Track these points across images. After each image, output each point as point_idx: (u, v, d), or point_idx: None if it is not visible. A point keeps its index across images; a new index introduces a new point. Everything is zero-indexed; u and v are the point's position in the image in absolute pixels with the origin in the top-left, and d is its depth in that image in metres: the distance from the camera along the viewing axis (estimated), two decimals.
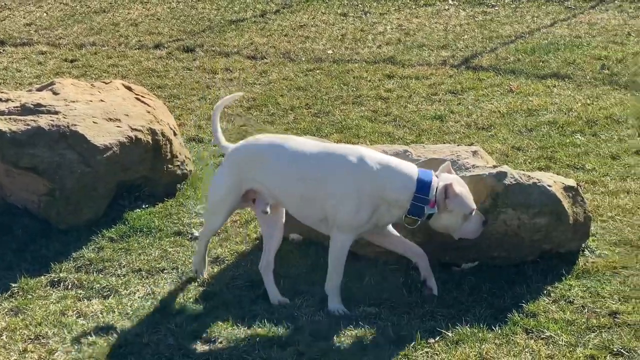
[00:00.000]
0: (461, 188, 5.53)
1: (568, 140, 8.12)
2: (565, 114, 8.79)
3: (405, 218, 5.51)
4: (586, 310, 5.47)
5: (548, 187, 5.89)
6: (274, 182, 5.65)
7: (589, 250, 6.10)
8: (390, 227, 5.72)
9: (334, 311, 5.56)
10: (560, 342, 5.17)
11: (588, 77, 9.85)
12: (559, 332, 5.25)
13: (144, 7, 13.75)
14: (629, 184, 7.17)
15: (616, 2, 12.98)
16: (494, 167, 6.01)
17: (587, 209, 6.10)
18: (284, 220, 5.85)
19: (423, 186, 5.47)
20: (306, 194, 5.57)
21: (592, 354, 5.03)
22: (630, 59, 10.32)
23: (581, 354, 5.04)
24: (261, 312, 5.56)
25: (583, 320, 5.36)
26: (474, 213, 5.57)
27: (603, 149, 7.87)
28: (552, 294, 5.66)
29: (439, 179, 5.52)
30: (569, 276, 5.83)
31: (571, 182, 6.16)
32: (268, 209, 5.74)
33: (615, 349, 5.08)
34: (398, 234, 5.75)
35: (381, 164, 5.52)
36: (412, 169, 5.56)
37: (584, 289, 5.69)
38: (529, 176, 5.96)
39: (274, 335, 5.33)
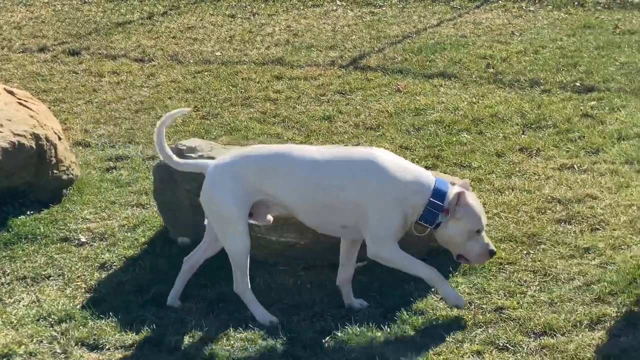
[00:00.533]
0: (474, 201, 5.42)
1: (454, 139, 8.23)
2: (452, 112, 8.90)
3: (416, 225, 5.38)
4: (473, 306, 5.54)
5: None
6: (290, 194, 5.40)
7: None
8: (359, 242, 5.58)
9: (460, 306, 5.44)
10: (448, 339, 5.21)
11: (474, 76, 9.99)
12: (446, 328, 5.31)
13: (27, 10, 13.50)
14: (513, 180, 7.28)
15: (500, 1, 13.19)
16: None
17: None
18: None
19: (439, 193, 5.33)
20: (325, 204, 5.36)
21: (479, 349, 5.09)
22: (514, 58, 10.50)
23: (468, 350, 5.10)
24: (150, 317, 5.49)
25: (470, 316, 5.42)
26: (482, 234, 5.42)
27: (489, 147, 7.99)
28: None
29: (454, 189, 5.40)
30: (456, 273, 5.89)
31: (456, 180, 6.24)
32: (271, 219, 5.60)
33: (500, 344, 5.15)
34: (356, 252, 5.63)
35: (397, 167, 5.36)
36: (428, 174, 5.43)
37: (471, 285, 5.77)
38: None
39: (163, 340, 5.26)
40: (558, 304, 5.53)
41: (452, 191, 5.36)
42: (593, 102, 8.96)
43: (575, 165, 7.54)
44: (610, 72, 9.77)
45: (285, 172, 5.38)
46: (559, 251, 6.15)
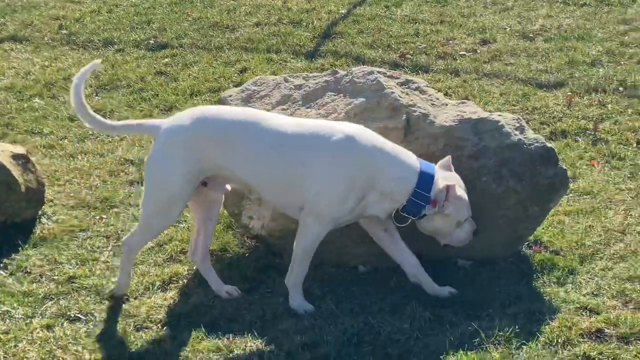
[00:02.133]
0: (462, 191, 4.92)
1: (26, 105, 7.94)
2: (23, 78, 8.58)
3: (397, 215, 4.85)
4: (43, 278, 5.35)
5: None
6: (248, 168, 4.78)
7: (45, 217, 5.98)
8: (394, 228, 5.03)
9: (298, 309, 4.93)
10: (17, 316, 4.99)
11: (46, 39, 9.68)
12: (15, 305, 5.08)
13: None
14: (87, 144, 7.14)
15: None
16: None
17: (39, 175, 5.98)
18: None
19: (425, 181, 4.80)
20: (288, 181, 4.77)
21: (49, 323, 4.91)
22: (88, 18, 10.29)
23: (38, 325, 4.91)
24: None
25: (41, 289, 5.24)
26: (467, 221, 5.01)
27: (62, 112, 7.78)
28: (9, 267, 5.46)
29: (439, 176, 4.87)
30: (26, 246, 5.66)
31: (20, 150, 6.00)
32: (229, 188, 5.01)
33: (72, 315, 5.01)
34: (400, 239, 5.08)
35: (376, 147, 4.80)
36: (413, 158, 4.87)
37: (42, 257, 5.57)
38: None
39: None
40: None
41: (439, 180, 4.85)
42: (167, 59, 8.99)
43: None
44: (184, 28, 9.83)
45: (248, 143, 4.78)
46: (133, 214, 6.08)
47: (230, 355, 4.64)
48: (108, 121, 5.12)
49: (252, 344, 4.70)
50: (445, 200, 4.85)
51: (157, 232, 5.16)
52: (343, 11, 10.27)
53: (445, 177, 4.89)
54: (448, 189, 4.83)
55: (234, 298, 5.10)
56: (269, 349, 4.65)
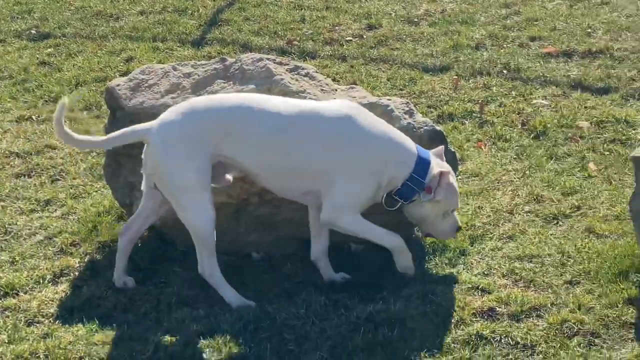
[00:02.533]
0: (453, 179, 4.89)
1: None
2: None
3: (387, 198, 4.79)
4: None
5: None
6: (250, 156, 4.66)
7: None
8: None
9: (404, 270, 5.01)
10: None
11: None
12: None
13: None
14: None
15: None
16: None
17: None
18: None
19: (422, 166, 4.77)
20: (293, 168, 4.68)
21: None
22: None
23: None
24: None
25: None
26: (454, 212, 4.99)
27: None
28: None
29: (434, 163, 4.83)
30: None
31: None
32: (230, 179, 4.81)
33: None
34: None
35: (378, 130, 4.77)
36: (411, 143, 4.83)
37: None
38: None
39: None
40: (20, 261, 5.38)
41: (434, 166, 4.83)
42: (49, 49, 8.83)
43: (33, 116, 7.38)
44: (66, 18, 9.66)
45: (245, 131, 4.67)
46: (20, 206, 5.98)
47: (126, 346, 4.59)
48: (97, 138, 4.90)
49: (147, 334, 4.66)
50: (437, 186, 4.85)
51: (213, 233, 4.76)
52: None
53: (440, 164, 4.92)
54: (441, 174, 4.85)
55: (128, 289, 5.05)
56: (165, 339, 4.61)
